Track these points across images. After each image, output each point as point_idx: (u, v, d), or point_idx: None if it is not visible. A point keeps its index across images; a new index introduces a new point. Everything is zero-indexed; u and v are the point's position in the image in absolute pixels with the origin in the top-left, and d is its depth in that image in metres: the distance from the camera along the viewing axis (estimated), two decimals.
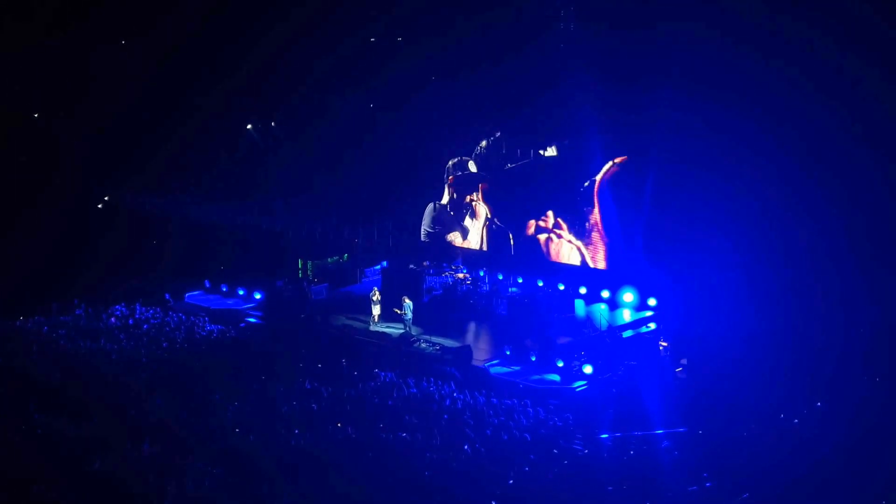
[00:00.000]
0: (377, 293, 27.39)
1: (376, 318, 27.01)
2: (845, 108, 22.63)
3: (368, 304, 27.36)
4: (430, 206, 34.26)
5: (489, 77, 30.26)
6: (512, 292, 29.32)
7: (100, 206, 38.70)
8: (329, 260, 33.59)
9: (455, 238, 33.47)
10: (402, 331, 25.97)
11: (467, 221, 33.14)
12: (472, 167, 32.90)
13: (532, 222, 31.00)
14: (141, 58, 35.91)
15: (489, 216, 32.49)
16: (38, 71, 35.97)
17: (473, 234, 32.96)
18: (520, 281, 30.22)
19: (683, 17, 24.68)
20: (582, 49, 28.18)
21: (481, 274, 30.47)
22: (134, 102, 35.89)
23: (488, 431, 18.26)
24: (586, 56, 27.68)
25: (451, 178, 33.38)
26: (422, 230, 34.47)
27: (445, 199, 33.76)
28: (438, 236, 34.00)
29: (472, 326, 27.59)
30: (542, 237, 30.71)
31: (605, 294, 28.35)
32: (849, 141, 22.71)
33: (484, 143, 32.68)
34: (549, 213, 30.45)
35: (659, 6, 25.55)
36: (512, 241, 31.51)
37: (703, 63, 24.42)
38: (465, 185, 33.02)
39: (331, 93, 34.76)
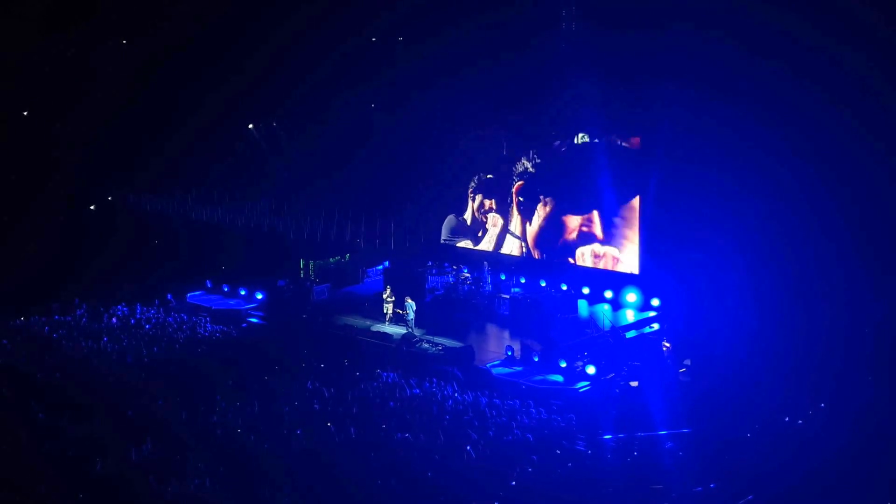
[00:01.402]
0: (390, 292, 27.20)
1: (389, 316, 26.86)
2: (850, 107, 22.56)
3: (370, 303, 27.26)
4: (451, 217, 33.71)
5: (491, 77, 30.18)
6: (514, 292, 29.23)
7: (92, 207, 38.71)
8: (331, 260, 33.49)
9: (467, 245, 33.21)
10: (404, 331, 25.90)
11: (481, 233, 32.92)
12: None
13: (573, 219, 30.09)
14: (142, 58, 35.97)
15: (503, 226, 32.07)
16: (40, 71, 36.04)
17: (486, 242, 32.66)
18: (522, 281, 30.12)
19: (687, 15, 24.62)
20: (584, 48, 28.12)
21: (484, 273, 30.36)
22: (135, 102, 35.94)
23: (491, 432, 18.18)
24: (589, 55, 27.63)
25: (471, 189, 33.02)
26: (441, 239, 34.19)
27: (468, 214, 33.32)
28: (452, 246, 33.78)
29: (474, 327, 27.49)
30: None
31: (609, 294, 28.26)
32: (854, 140, 22.62)
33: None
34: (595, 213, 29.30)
35: (661, 6, 25.48)
36: (536, 253, 31.06)
37: (707, 61, 24.33)
38: (484, 191, 32.60)
39: (332, 93, 34.73)
